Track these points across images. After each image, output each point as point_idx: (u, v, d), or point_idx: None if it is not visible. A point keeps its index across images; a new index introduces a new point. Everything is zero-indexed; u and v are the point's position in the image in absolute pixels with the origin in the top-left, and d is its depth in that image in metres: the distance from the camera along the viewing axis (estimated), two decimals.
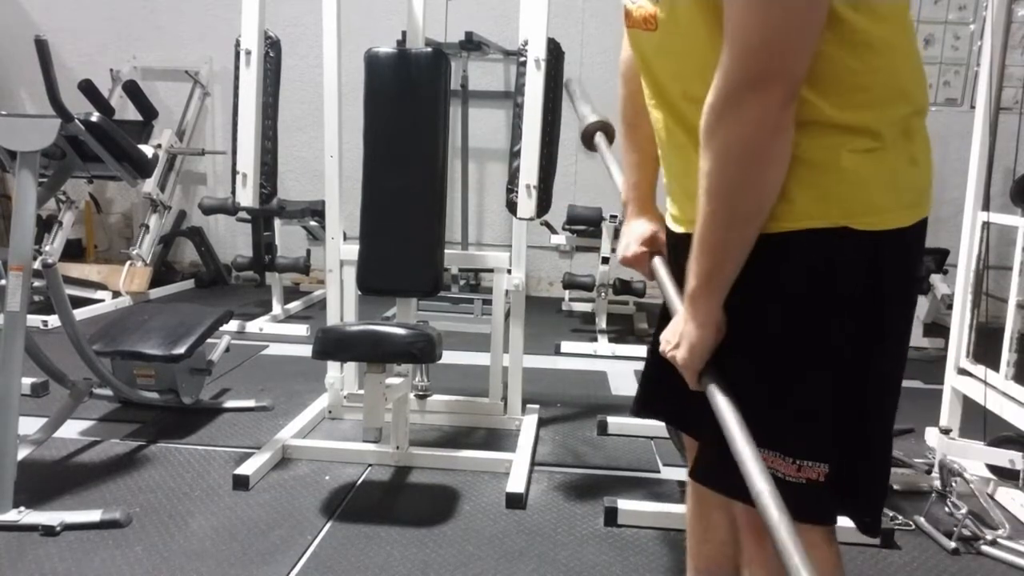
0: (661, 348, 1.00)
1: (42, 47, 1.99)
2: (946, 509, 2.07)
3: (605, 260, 4.01)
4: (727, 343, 0.94)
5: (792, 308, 0.91)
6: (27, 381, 2.70)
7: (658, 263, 1.16)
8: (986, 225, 2.24)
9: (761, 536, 0.97)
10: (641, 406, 1.27)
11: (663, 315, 1.21)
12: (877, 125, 0.86)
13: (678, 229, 1.10)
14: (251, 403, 2.80)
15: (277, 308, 4.31)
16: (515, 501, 2.12)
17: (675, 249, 1.13)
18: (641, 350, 3.52)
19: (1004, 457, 2.16)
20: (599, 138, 1.39)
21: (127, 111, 4.89)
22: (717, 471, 0.98)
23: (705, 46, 0.85)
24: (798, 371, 0.92)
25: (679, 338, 0.97)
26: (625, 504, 2.05)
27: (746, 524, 1.03)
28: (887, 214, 0.89)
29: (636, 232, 1.20)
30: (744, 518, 1.03)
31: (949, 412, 2.40)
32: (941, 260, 4.05)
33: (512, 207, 2.38)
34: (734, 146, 0.81)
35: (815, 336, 0.91)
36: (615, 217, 3.98)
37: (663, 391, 1.17)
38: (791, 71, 0.77)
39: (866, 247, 0.88)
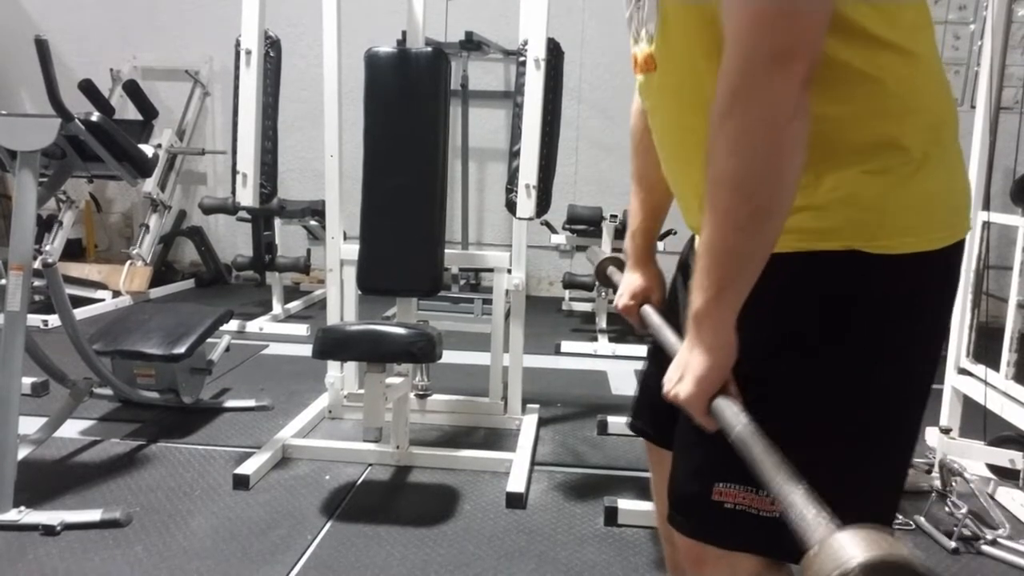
0: (664, 391, 0.86)
1: (42, 47, 1.99)
2: (946, 509, 2.07)
3: None
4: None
5: (784, 336, 0.84)
6: (27, 381, 2.70)
7: (647, 310, 1.18)
8: (986, 225, 2.24)
9: (701, 564, 0.95)
10: (636, 423, 1.30)
11: (654, 352, 1.19)
12: (902, 137, 0.80)
13: None
14: (251, 403, 2.80)
15: (277, 308, 4.31)
16: (515, 501, 2.12)
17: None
18: (641, 350, 3.51)
19: (1004, 457, 2.16)
20: (611, 271, 1.43)
21: (127, 111, 4.89)
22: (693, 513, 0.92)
23: (702, 75, 0.82)
24: (801, 411, 0.84)
25: (682, 371, 0.83)
26: (625, 504, 2.05)
27: (687, 553, 0.98)
28: (908, 237, 0.81)
29: (628, 285, 1.26)
30: (685, 548, 0.97)
31: (949, 412, 2.40)
32: None
33: (512, 207, 2.38)
34: (753, 130, 0.72)
35: (814, 371, 0.84)
36: (615, 217, 3.98)
37: (650, 410, 1.19)
38: (812, 44, 0.70)
39: (877, 274, 0.81)
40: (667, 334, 1.02)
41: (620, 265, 1.40)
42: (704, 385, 0.80)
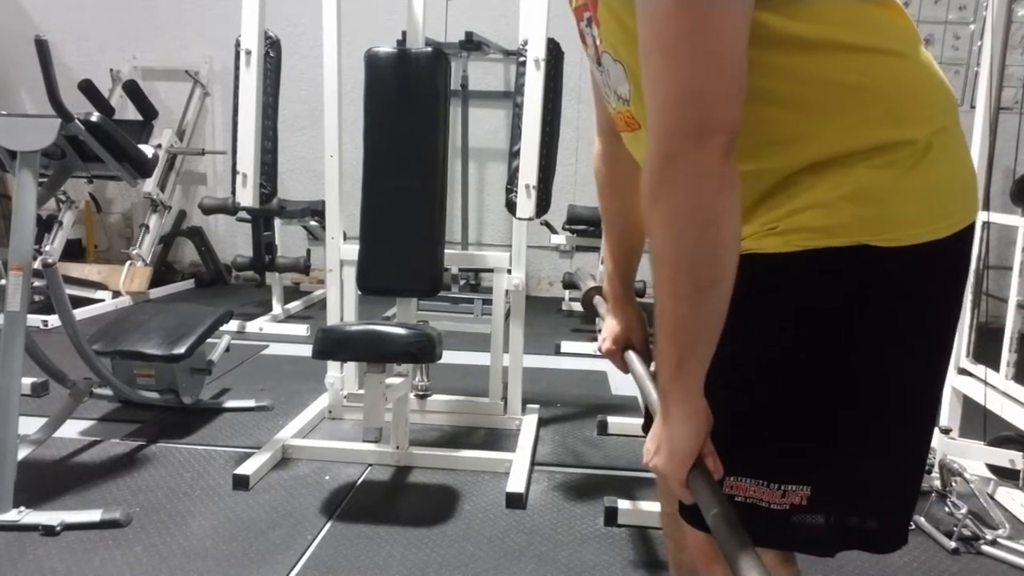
0: (644, 460, 0.88)
1: (42, 47, 1.99)
2: (946, 509, 2.07)
3: None
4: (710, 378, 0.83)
5: (796, 334, 0.84)
6: (27, 381, 2.70)
7: (631, 357, 1.18)
8: (986, 225, 2.24)
9: (711, 561, 0.95)
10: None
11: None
12: (904, 133, 0.81)
13: None
14: (251, 403, 2.80)
15: (277, 308, 4.31)
16: (515, 501, 2.12)
17: None
18: None
19: (1004, 457, 2.16)
20: (597, 300, 1.43)
21: (127, 111, 4.89)
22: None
23: None
24: (811, 404, 0.85)
25: (658, 442, 0.84)
26: (625, 504, 2.05)
27: (698, 551, 0.98)
28: (914, 227, 0.81)
29: (609, 329, 1.26)
30: (696, 545, 0.98)
31: (949, 412, 2.40)
32: None
33: (512, 207, 2.39)
34: (681, 209, 0.73)
35: (829, 367, 0.84)
36: None
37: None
38: (725, 119, 0.71)
39: (887, 266, 0.81)
40: (648, 387, 1.02)
41: (603, 293, 1.39)
42: (679, 457, 0.81)
